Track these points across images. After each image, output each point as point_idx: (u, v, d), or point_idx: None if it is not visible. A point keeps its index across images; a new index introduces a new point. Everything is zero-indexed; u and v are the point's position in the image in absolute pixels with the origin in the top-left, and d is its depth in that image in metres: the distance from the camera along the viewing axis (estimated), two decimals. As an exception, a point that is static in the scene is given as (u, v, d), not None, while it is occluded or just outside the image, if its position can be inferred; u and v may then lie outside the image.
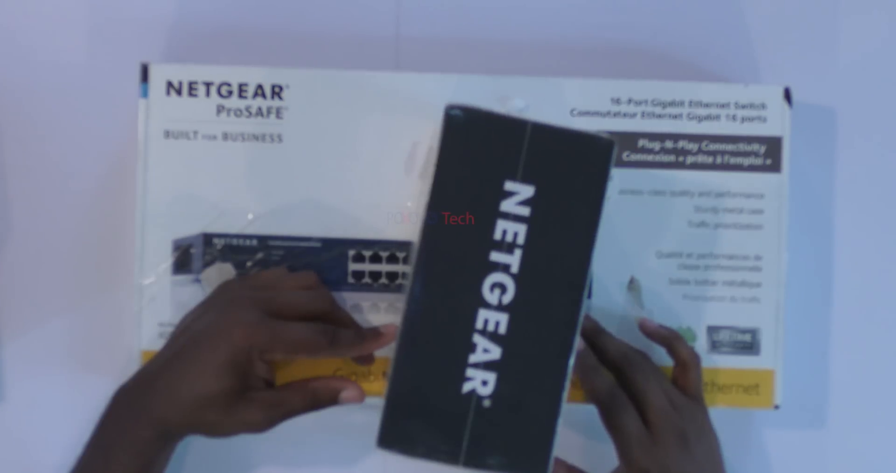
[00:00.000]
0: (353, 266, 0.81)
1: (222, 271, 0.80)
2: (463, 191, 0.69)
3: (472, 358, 0.69)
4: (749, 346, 0.82)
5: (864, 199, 0.87)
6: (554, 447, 0.69)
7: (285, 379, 0.77)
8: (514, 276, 0.69)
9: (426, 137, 0.81)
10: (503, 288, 0.69)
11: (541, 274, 0.69)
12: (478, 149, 0.69)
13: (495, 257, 0.69)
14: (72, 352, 0.84)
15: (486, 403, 0.69)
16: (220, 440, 0.74)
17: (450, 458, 0.69)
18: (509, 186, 0.70)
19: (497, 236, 0.69)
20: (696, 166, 0.82)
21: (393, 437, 0.69)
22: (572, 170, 0.70)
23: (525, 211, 0.69)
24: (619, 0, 0.87)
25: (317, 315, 0.76)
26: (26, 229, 0.85)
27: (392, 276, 0.81)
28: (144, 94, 0.81)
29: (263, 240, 0.80)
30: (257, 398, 0.73)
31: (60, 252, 0.85)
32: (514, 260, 0.69)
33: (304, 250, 0.80)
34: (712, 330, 0.82)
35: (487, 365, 0.69)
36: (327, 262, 0.80)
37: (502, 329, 0.69)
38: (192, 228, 0.80)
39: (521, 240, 0.69)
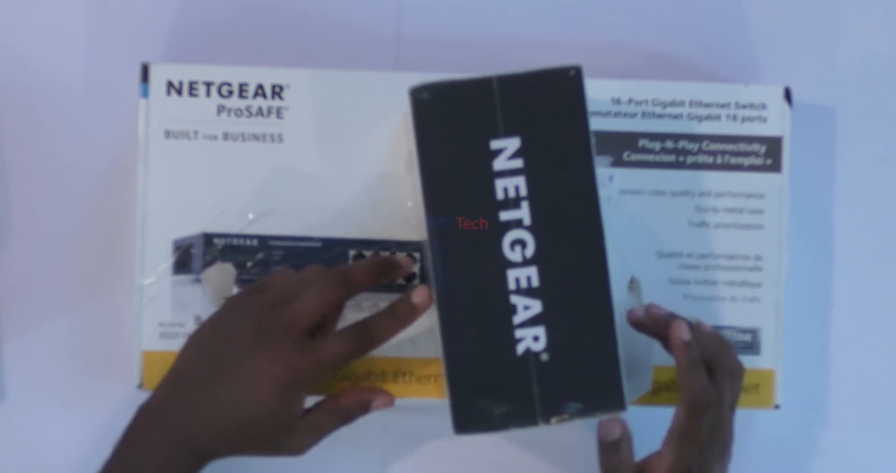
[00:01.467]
0: (354, 266, 0.81)
1: (223, 271, 0.80)
2: (452, 165, 0.69)
3: (516, 319, 0.69)
4: (749, 346, 0.82)
5: (864, 199, 0.87)
6: (623, 377, 0.69)
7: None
8: (528, 228, 0.69)
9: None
10: (523, 243, 0.69)
11: (553, 216, 0.69)
12: (453, 119, 0.69)
13: (505, 216, 0.69)
14: (72, 352, 0.84)
15: (544, 357, 0.69)
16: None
17: (528, 420, 0.69)
18: (495, 144, 0.70)
19: (500, 195, 0.69)
20: (696, 166, 0.82)
21: (468, 420, 0.69)
22: (550, 108, 0.70)
23: (518, 163, 0.69)
24: (619, 0, 0.87)
25: (342, 302, 0.75)
26: (26, 229, 0.85)
27: (392, 276, 0.81)
28: (145, 94, 0.81)
29: (264, 240, 0.80)
30: (298, 427, 0.73)
31: (60, 252, 0.84)
32: (523, 213, 0.69)
33: (305, 250, 0.80)
34: (712, 330, 0.82)
35: (533, 321, 0.69)
36: (328, 262, 0.80)
37: (535, 282, 0.69)
38: (192, 228, 0.80)
39: (523, 192, 0.69)
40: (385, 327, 0.74)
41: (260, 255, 0.80)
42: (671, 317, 0.76)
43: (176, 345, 0.80)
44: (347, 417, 0.76)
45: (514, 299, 0.69)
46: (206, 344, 0.75)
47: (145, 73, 0.81)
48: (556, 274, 0.69)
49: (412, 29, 0.86)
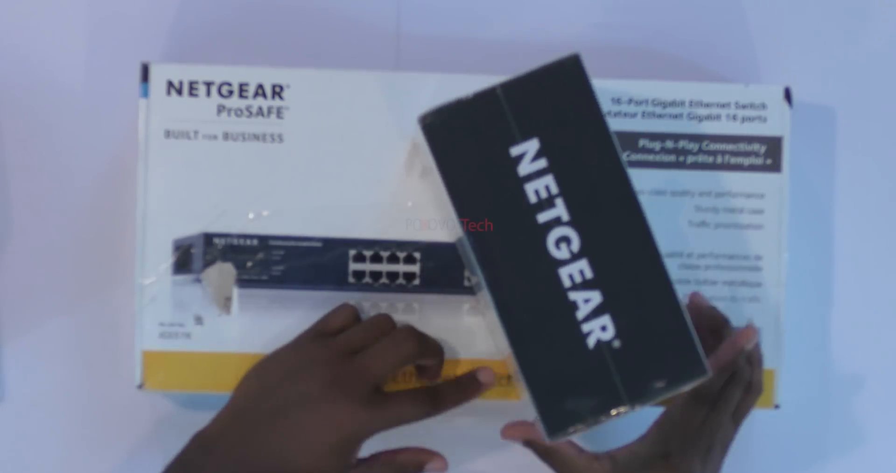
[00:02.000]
0: (354, 266, 0.81)
1: (223, 272, 0.80)
2: (479, 181, 0.70)
3: (580, 314, 0.69)
4: (749, 346, 0.82)
5: (864, 199, 0.87)
6: (697, 342, 0.69)
7: None
8: (569, 223, 0.70)
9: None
10: (567, 239, 0.70)
11: (590, 206, 0.70)
12: (468, 136, 0.70)
13: (542, 217, 0.70)
14: (72, 352, 0.84)
15: (616, 344, 0.69)
16: None
17: (617, 407, 0.69)
18: (515, 150, 0.70)
19: (532, 199, 0.70)
20: (696, 166, 0.82)
21: (559, 423, 0.69)
22: (559, 102, 0.70)
23: (542, 163, 0.70)
24: (619, 0, 0.87)
25: (415, 360, 0.76)
26: (26, 229, 0.85)
27: (392, 276, 0.81)
28: (145, 94, 0.81)
29: (264, 240, 0.80)
30: None
31: (60, 252, 0.84)
32: (560, 211, 0.70)
33: (305, 250, 0.80)
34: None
35: (596, 312, 0.69)
36: (328, 262, 0.80)
37: (588, 274, 0.69)
38: (192, 228, 0.80)
39: (554, 190, 0.70)
40: (453, 397, 0.76)
41: (260, 255, 0.80)
42: (720, 315, 0.78)
43: (176, 345, 0.80)
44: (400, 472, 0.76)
45: (573, 295, 0.69)
46: (272, 380, 0.74)
47: (145, 73, 0.81)
48: (607, 261, 0.70)
49: (412, 28, 0.86)
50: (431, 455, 0.77)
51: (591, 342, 0.69)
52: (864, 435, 0.87)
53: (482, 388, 0.78)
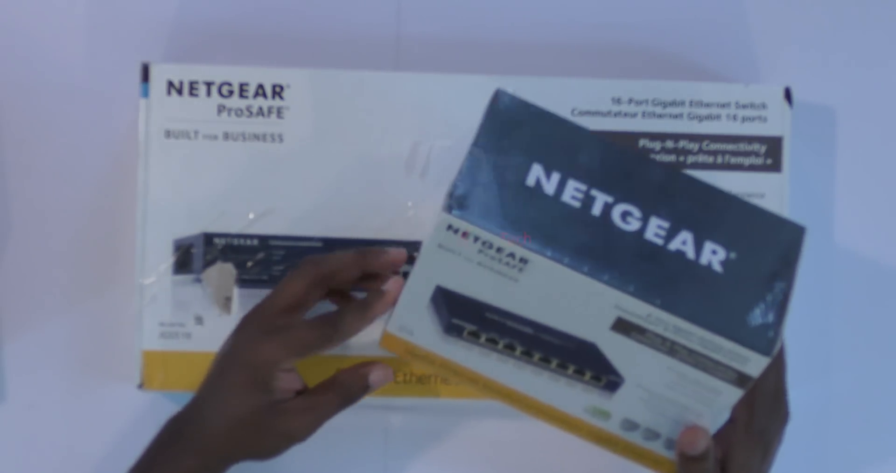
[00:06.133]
0: (354, 266, 0.81)
1: (223, 271, 0.80)
2: (533, 218, 0.69)
3: (689, 256, 0.69)
4: (749, 346, 0.82)
5: (864, 199, 0.87)
6: (773, 212, 0.71)
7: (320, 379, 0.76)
8: (616, 200, 0.69)
9: (426, 137, 0.81)
10: (628, 213, 0.69)
11: (617, 178, 0.70)
12: (489, 198, 0.69)
13: (596, 210, 0.69)
14: (72, 352, 0.84)
15: (732, 255, 0.69)
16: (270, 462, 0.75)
17: (786, 296, 0.69)
18: (529, 179, 0.69)
19: (576, 204, 0.69)
20: (696, 166, 0.82)
21: (769, 342, 0.68)
22: (521, 130, 0.70)
23: (557, 176, 0.69)
24: (619, 0, 0.87)
25: (317, 286, 0.74)
26: (26, 229, 0.85)
27: (392, 276, 0.81)
28: (145, 93, 0.81)
29: (264, 240, 0.80)
30: (289, 408, 0.73)
31: (60, 252, 0.84)
32: (604, 196, 0.69)
33: (305, 250, 0.80)
34: (713, 330, 0.82)
35: (698, 245, 0.69)
36: (328, 262, 0.80)
37: (665, 224, 0.69)
38: (192, 228, 0.80)
39: (582, 186, 0.69)
40: (353, 317, 0.73)
41: (260, 255, 0.80)
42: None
43: (176, 345, 0.80)
44: (346, 394, 0.75)
45: (671, 245, 0.69)
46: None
47: (145, 73, 0.81)
48: (667, 206, 0.70)
49: (412, 29, 0.86)
50: (370, 366, 0.75)
51: (716, 267, 0.69)
52: (864, 436, 0.87)
53: (388, 298, 0.73)
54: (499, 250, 0.68)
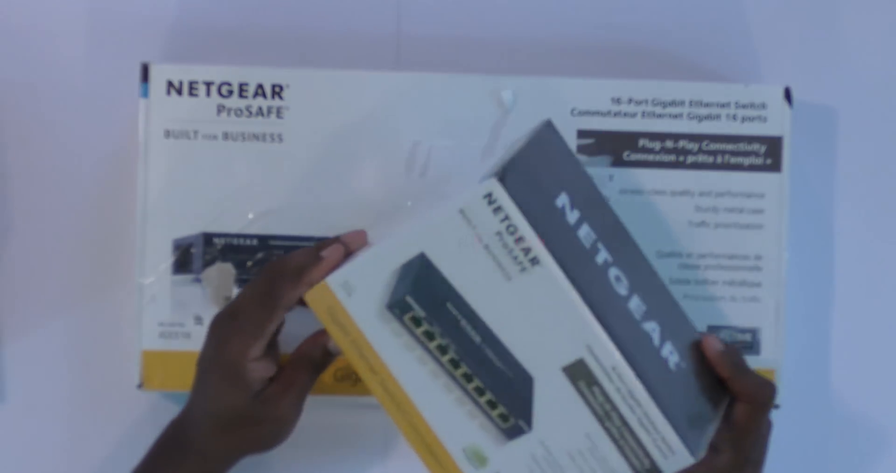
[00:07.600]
0: (354, 266, 0.81)
1: (223, 271, 0.80)
2: (549, 233, 0.67)
3: (655, 342, 0.70)
4: (749, 346, 0.82)
5: (864, 199, 0.87)
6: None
7: None
8: (614, 264, 0.70)
9: (426, 137, 0.81)
10: (619, 278, 0.70)
11: (617, 247, 0.71)
12: (529, 192, 0.69)
13: (599, 259, 0.70)
14: (72, 352, 0.84)
15: (683, 365, 0.71)
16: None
17: (717, 412, 0.72)
18: (559, 201, 0.69)
19: (586, 244, 0.69)
20: (696, 166, 0.82)
21: (697, 446, 0.68)
22: (554, 163, 0.72)
23: (577, 214, 0.70)
24: (619, 0, 0.87)
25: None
26: (26, 229, 0.85)
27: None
28: (145, 94, 0.81)
29: (264, 240, 0.80)
30: (268, 396, 0.73)
31: (60, 252, 0.84)
32: (605, 254, 0.70)
33: (305, 250, 0.80)
34: (712, 330, 0.82)
35: (662, 339, 0.71)
36: (328, 262, 0.80)
37: (643, 307, 0.70)
38: (192, 227, 0.80)
39: (592, 235, 0.70)
40: (286, 281, 0.72)
41: (260, 255, 0.81)
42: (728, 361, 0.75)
43: (176, 345, 0.80)
44: (311, 363, 0.75)
45: (645, 326, 0.70)
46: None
47: (145, 73, 0.81)
48: (646, 292, 0.71)
49: (412, 28, 0.86)
50: (325, 332, 0.73)
51: (671, 365, 0.70)
52: (864, 435, 0.87)
53: (324, 265, 0.71)
54: (518, 240, 0.65)
